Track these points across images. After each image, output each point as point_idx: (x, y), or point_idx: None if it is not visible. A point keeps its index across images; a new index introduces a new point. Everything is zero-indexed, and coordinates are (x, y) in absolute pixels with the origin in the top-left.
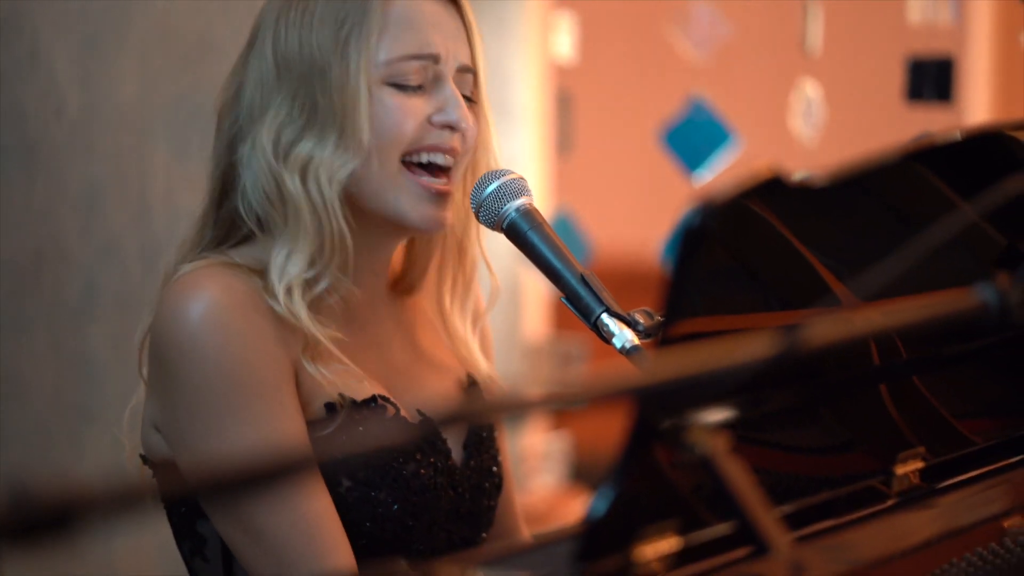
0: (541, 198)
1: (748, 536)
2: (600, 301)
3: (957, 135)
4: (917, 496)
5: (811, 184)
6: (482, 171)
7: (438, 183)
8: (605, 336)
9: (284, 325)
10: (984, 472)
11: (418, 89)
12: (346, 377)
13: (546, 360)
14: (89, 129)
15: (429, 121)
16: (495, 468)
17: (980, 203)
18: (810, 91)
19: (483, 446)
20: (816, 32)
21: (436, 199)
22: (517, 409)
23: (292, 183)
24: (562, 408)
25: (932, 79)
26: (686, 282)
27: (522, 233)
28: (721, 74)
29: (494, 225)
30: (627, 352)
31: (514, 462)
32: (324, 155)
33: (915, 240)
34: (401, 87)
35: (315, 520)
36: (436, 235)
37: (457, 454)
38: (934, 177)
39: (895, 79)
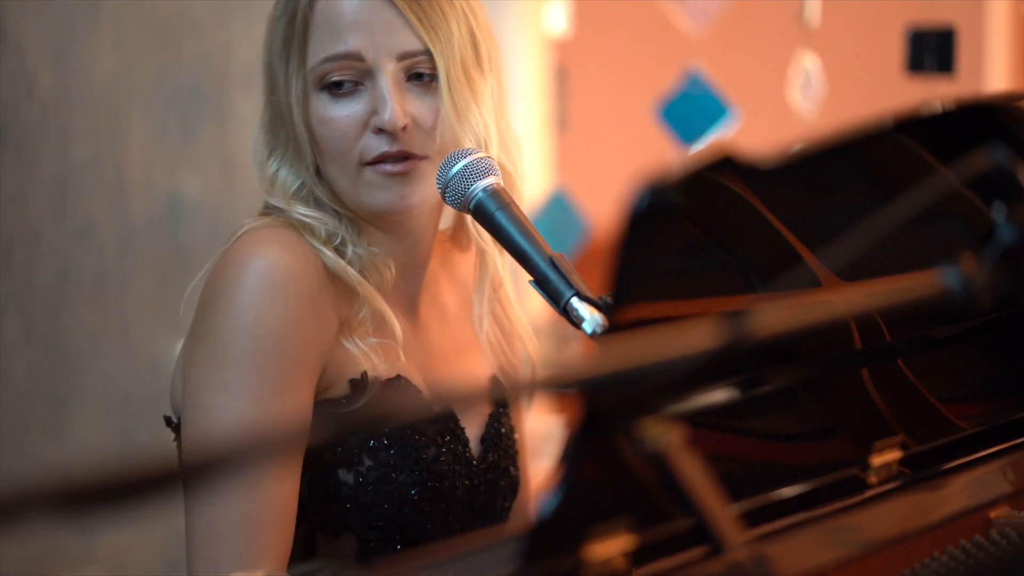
0: (538, 175)
1: (703, 534)
2: (569, 284)
3: (939, 106)
4: (896, 487)
5: (762, 164)
6: (452, 148)
7: (397, 167)
8: (575, 321)
9: (334, 296)
10: (970, 460)
11: (354, 89)
12: (383, 353)
13: (545, 341)
14: (62, 110)
15: (367, 126)
16: (512, 470)
17: (954, 174)
18: (809, 63)
19: (501, 444)
20: (815, 3)
21: (397, 181)
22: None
23: (272, 198)
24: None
25: (933, 50)
26: (635, 265)
27: (489, 214)
28: (718, 46)
29: (461, 205)
30: (598, 337)
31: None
32: (283, 168)
33: (891, 211)
34: (332, 92)
35: (263, 516)
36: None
37: (475, 447)
38: (920, 149)
39: (895, 50)
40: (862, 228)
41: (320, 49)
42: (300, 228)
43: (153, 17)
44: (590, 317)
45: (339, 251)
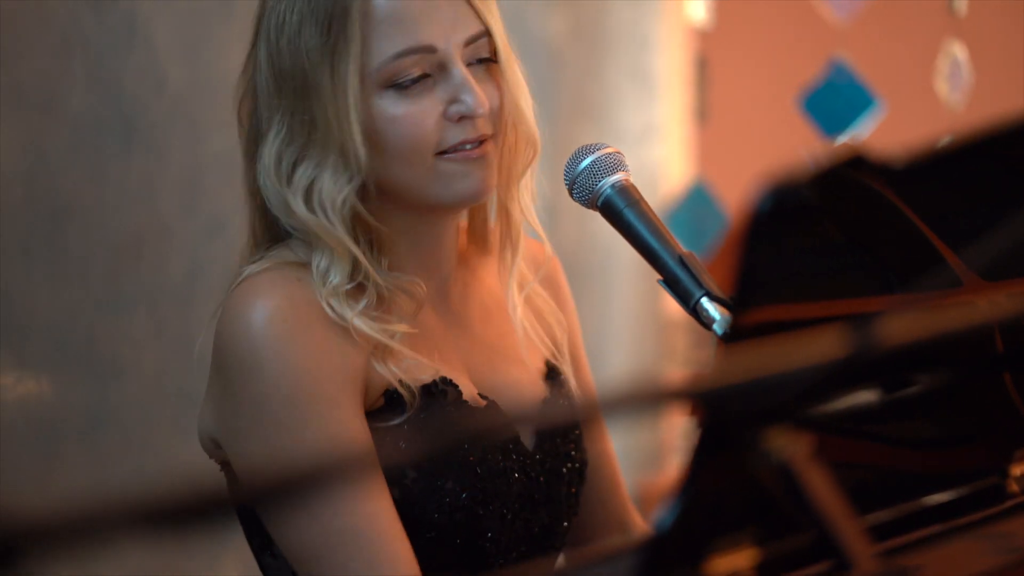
0: (678, 167)
1: (830, 549)
2: (699, 284)
3: None
4: None
5: (901, 161)
6: (514, 126)
7: (475, 151)
8: (705, 321)
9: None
10: None
11: (423, 81)
12: (418, 370)
13: (682, 336)
14: (192, 104)
15: (445, 116)
16: (574, 452)
17: None
18: (957, 53)
19: (557, 430)
20: None
21: (476, 165)
22: (581, 413)
23: (299, 207)
24: (628, 414)
25: None
26: (758, 267)
27: (618, 211)
28: (863, 36)
29: (588, 203)
30: (722, 340)
31: (651, 443)
32: (324, 179)
33: None
34: (402, 88)
35: (376, 527)
36: (486, 203)
37: (527, 436)
38: None
39: None
40: (1006, 226)
41: (387, 46)
42: (300, 265)
43: None
44: (721, 318)
45: (361, 286)
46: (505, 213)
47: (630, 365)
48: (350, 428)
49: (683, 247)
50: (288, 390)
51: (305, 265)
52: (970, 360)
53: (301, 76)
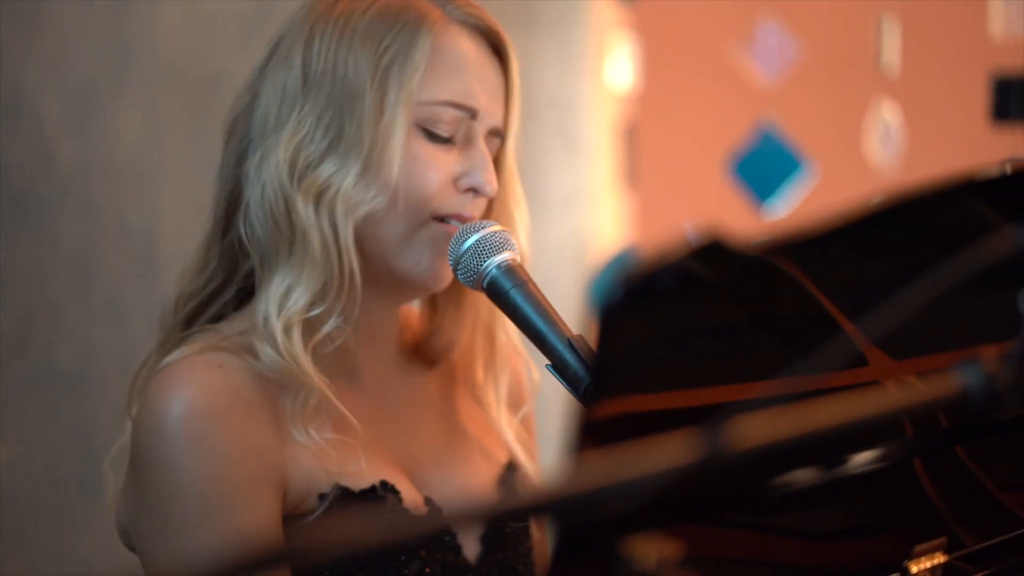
0: (607, 232)
1: None
2: (589, 369)
3: (1007, 167)
4: None
5: (749, 250)
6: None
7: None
8: None
9: (273, 406)
10: None
11: (447, 142)
12: (347, 454)
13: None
14: (84, 180)
15: (454, 182)
16: (522, 567)
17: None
18: (887, 113)
19: (508, 540)
20: (892, 49)
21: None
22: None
23: (304, 209)
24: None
25: (1020, 98)
26: (612, 361)
27: (503, 293)
28: (791, 97)
29: (474, 283)
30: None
31: None
32: (344, 185)
33: (943, 277)
34: (432, 135)
35: None
36: (463, 310)
37: (472, 550)
38: (989, 212)
39: (979, 99)
40: (915, 300)
41: (440, 89)
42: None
43: (184, 82)
44: None
45: (311, 327)
46: (488, 335)
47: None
48: (260, 529)
49: (571, 330)
50: (199, 488)
51: (231, 349)
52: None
53: (340, 82)
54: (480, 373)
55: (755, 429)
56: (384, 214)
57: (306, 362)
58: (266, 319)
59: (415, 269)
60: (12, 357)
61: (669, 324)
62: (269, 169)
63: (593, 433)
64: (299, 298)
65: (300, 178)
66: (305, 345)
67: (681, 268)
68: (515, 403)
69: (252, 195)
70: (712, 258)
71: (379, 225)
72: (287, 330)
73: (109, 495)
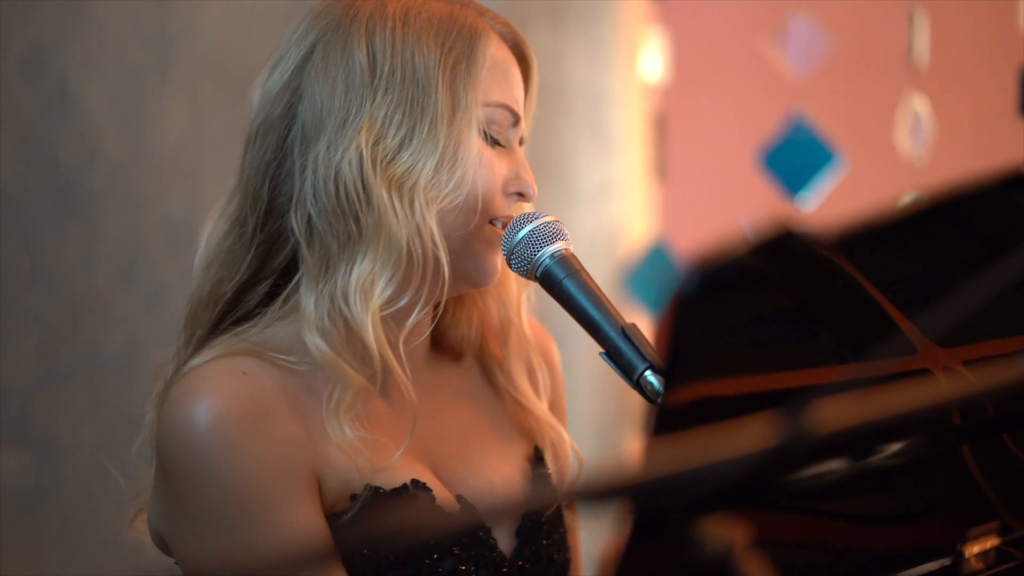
0: (638, 224)
1: None
2: (643, 357)
3: None
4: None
5: (823, 239)
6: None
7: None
8: (650, 395)
9: (301, 407)
10: None
11: (497, 145)
12: (380, 453)
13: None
14: (129, 172)
15: (503, 184)
16: (557, 555)
17: None
18: (918, 106)
19: (542, 531)
20: (923, 43)
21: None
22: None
23: (388, 200)
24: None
25: None
26: (687, 348)
27: (557, 282)
28: (822, 90)
29: (527, 273)
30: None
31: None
32: (425, 176)
33: (996, 272)
34: (488, 138)
35: None
36: (468, 305)
37: (507, 543)
38: None
39: (1009, 92)
40: (963, 291)
41: (497, 92)
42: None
43: (224, 75)
44: None
45: (398, 316)
46: (502, 317)
47: (593, 436)
48: (303, 529)
49: (624, 318)
50: (236, 496)
51: (256, 352)
52: (916, 439)
53: (411, 77)
54: (502, 362)
55: (832, 414)
56: (455, 211)
57: (396, 357)
58: (345, 312)
59: (471, 267)
60: (59, 345)
61: (738, 312)
62: (341, 161)
63: (669, 419)
64: (386, 287)
65: (381, 170)
66: (396, 339)
67: (750, 259)
68: (542, 390)
69: (310, 189)
70: (778, 250)
71: (444, 221)
72: (375, 325)
73: (131, 487)
